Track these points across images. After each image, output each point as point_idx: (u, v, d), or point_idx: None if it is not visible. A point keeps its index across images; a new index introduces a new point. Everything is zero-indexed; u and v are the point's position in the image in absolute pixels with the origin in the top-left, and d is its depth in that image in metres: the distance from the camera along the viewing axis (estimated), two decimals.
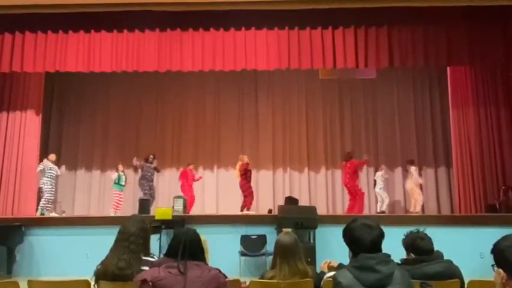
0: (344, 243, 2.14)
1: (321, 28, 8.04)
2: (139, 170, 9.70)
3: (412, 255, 2.83)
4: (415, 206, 9.19)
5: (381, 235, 2.06)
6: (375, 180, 9.78)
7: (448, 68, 9.26)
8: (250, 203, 8.99)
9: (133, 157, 9.73)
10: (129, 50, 8.08)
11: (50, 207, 8.70)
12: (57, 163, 9.19)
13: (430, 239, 2.85)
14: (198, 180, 9.84)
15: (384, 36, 7.98)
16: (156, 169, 9.76)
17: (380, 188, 9.48)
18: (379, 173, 9.65)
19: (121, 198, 9.28)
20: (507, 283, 1.50)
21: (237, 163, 9.06)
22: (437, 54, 7.99)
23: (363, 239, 2.02)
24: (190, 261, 2.27)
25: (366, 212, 9.39)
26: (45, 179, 8.64)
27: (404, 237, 2.91)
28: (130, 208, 9.44)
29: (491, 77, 8.75)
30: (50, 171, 8.67)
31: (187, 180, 9.51)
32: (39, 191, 8.79)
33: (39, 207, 8.55)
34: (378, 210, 9.39)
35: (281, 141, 10.78)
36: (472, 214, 8.31)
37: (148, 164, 9.55)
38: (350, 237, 2.09)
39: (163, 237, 6.88)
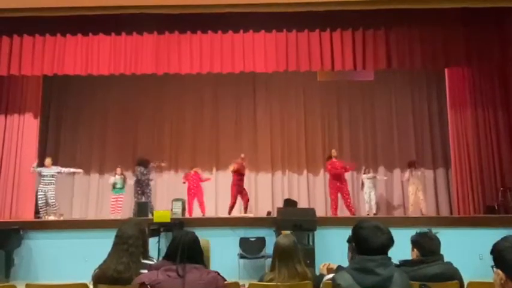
0: (343, 245, 2.14)
1: (319, 30, 8.07)
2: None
3: (416, 250, 2.84)
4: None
5: (391, 239, 2.04)
6: (362, 183, 9.74)
7: (446, 70, 9.28)
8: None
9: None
10: (127, 52, 8.08)
11: (44, 210, 8.62)
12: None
13: (438, 241, 2.85)
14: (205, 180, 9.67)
15: (382, 38, 8.01)
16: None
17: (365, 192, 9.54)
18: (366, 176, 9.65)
19: (114, 201, 9.24)
20: (506, 284, 1.50)
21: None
22: (435, 55, 8.02)
23: (372, 241, 2.00)
24: (189, 264, 2.27)
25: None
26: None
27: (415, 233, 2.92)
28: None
29: (489, 79, 8.77)
30: (44, 177, 8.56)
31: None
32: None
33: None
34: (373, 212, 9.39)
35: (279, 143, 10.77)
36: (471, 215, 8.30)
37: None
38: (358, 238, 2.07)
39: (162, 240, 6.87)
